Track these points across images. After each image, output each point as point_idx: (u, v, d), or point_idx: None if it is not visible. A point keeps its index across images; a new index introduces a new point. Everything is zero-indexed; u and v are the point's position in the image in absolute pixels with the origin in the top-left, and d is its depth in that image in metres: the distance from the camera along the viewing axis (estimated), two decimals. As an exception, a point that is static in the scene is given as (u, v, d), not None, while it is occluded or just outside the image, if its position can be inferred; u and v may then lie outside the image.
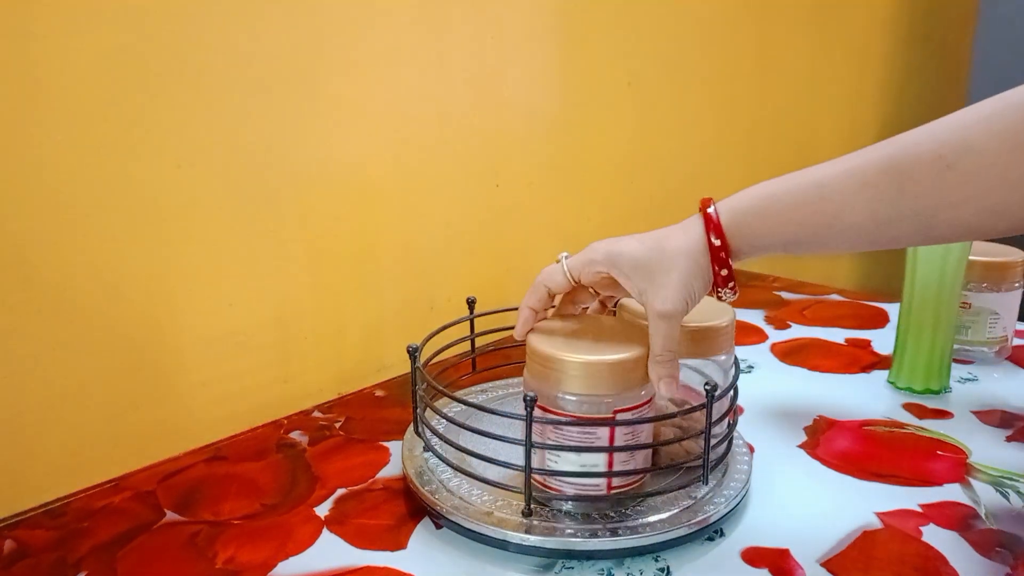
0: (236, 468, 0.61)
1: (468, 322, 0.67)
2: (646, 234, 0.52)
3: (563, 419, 0.50)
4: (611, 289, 0.54)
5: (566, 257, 0.54)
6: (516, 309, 0.55)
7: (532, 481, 0.51)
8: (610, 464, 0.51)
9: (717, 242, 0.49)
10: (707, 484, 0.54)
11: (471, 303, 0.68)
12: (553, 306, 0.57)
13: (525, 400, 0.49)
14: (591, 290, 0.56)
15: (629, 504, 0.53)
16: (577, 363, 0.49)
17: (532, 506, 0.51)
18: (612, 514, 0.52)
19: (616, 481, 0.52)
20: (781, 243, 0.49)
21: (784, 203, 0.48)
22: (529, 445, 0.50)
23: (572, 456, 0.51)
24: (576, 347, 0.51)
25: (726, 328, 0.57)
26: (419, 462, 0.58)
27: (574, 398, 0.50)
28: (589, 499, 0.52)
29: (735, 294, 0.51)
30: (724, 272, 0.50)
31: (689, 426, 0.57)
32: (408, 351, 0.57)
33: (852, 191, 0.47)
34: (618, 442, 0.50)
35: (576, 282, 0.54)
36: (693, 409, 0.53)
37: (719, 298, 0.52)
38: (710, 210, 0.50)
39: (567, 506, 0.53)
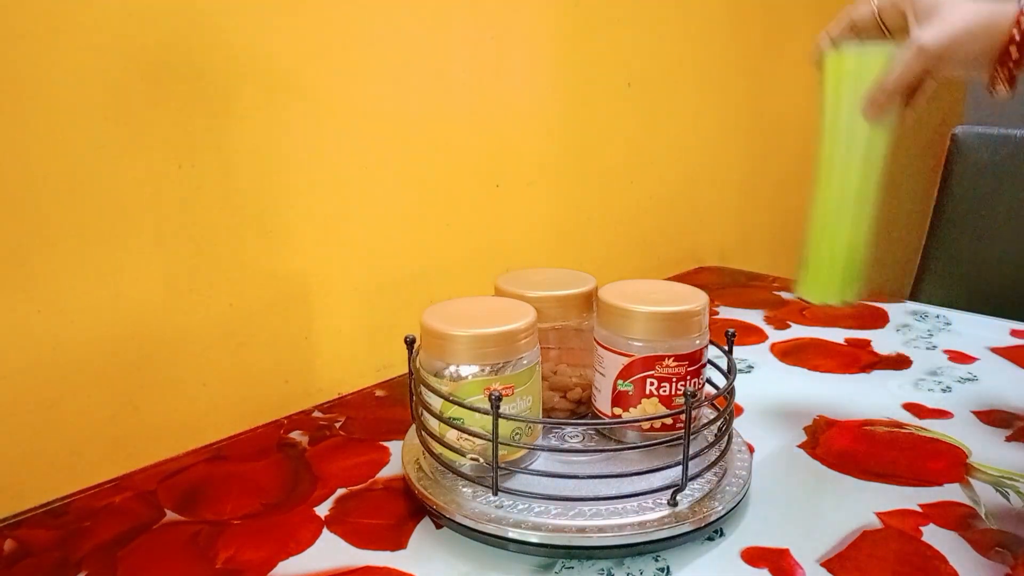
0: (237, 468, 0.61)
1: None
2: None
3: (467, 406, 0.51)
4: (900, 34, 0.56)
5: None
6: None
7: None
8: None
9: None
10: (665, 508, 0.51)
11: None
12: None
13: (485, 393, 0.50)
14: (883, 29, 0.58)
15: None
16: (465, 336, 0.52)
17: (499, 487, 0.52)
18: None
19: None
20: None
21: None
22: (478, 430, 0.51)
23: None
24: (464, 322, 0.53)
25: (699, 310, 0.56)
26: (416, 453, 0.58)
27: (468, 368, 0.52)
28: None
29: (1011, 90, 0.52)
30: (1016, 54, 0.50)
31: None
32: (405, 341, 0.57)
33: None
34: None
35: (879, 20, 0.56)
36: (656, 418, 0.53)
37: (991, 90, 0.54)
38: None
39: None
